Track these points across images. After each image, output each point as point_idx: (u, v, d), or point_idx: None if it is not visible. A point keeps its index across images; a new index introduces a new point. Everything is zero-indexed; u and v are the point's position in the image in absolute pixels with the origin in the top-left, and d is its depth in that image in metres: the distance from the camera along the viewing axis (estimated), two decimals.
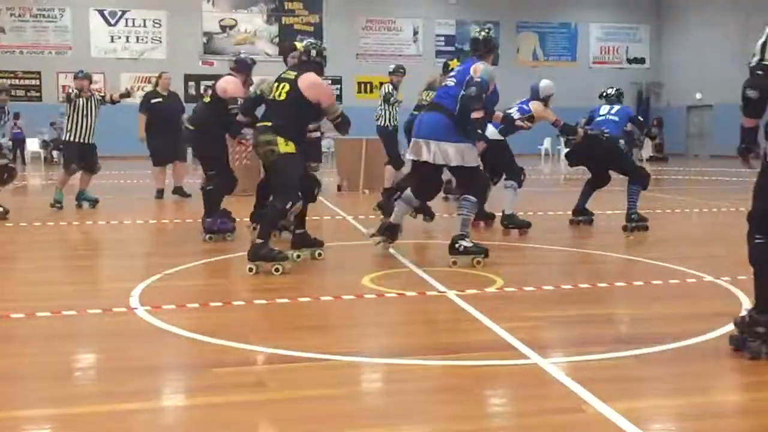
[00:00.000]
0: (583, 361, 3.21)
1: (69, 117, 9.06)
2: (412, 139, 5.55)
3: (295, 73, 5.22)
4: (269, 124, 5.16)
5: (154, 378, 3.09)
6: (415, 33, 27.62)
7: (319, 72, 5.27)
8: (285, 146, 5.04)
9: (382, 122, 10.22)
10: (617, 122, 7.30)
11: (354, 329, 3.85)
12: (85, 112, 8.98)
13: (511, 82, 30.26)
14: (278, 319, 4.11)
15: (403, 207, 5.79)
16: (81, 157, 9.07)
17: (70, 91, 9.07)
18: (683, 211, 9.26)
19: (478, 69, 5.31)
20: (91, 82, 9.44)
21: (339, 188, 11.52)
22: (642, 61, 29.64)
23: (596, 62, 29.35)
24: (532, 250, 6.30)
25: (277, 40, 26.40)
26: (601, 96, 8.03)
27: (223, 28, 26.03)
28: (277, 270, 4.95)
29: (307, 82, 5.14)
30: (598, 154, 7.20)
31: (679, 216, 8.85)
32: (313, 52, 5.32)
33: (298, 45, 5.69)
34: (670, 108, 27.94)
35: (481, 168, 5.69)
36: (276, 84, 5.26)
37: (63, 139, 9.42)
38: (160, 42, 25.38)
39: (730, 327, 3.66)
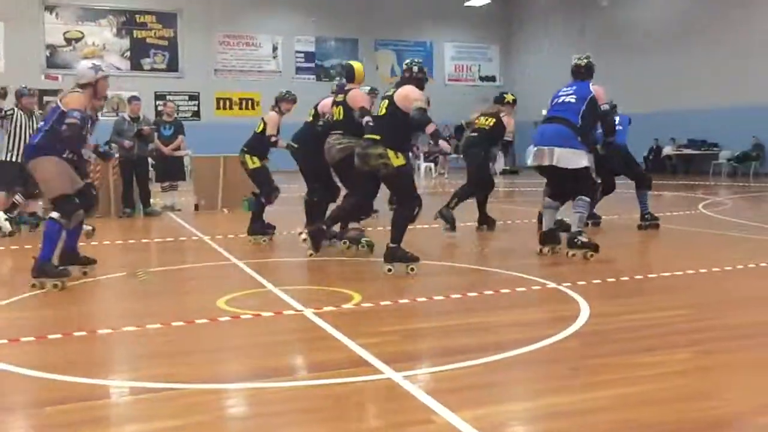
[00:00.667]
0: (435, 373, 3.28)
1: (9, 135, 8.61)
2: (536, 147, 6.31)
3: (395, 90, 5.82)
4: (377, 137, 5.67)
5: None
6: (275, 49, 27.48)
7: (420, 87, 5.79)
8: (396, 159, 5.62)
9: None
10: (621, 131, 7.84)
11: (206, 355, 3.71)
12: (27, 130, 8.57)
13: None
14: (123, 349, 3.89)
15: (549, 213, 6.58)
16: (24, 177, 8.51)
17: (10, 108, 8.67)
18: (531, 221, 9.76)
19: (602, 93, 6.41)
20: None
21: (196, 207, 11.16)
22: (493, 78, 31.17)
23: (451, 80, 30.55)
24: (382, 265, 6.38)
25: (128, 54, 25.33)
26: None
27: (69, 41, 24.60)
28: (412, 269, 5.60)
29: (402, 94, 5.72)
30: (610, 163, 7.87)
31: (528, 226, 9.31)
32: (415, 69, 5.92)
33: (356, 65, 6.79)
34: (519, 124, 29.55)
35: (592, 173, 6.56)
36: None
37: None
38: None
39: (571, 330, 3.89)
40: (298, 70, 27.94)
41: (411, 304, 4.68)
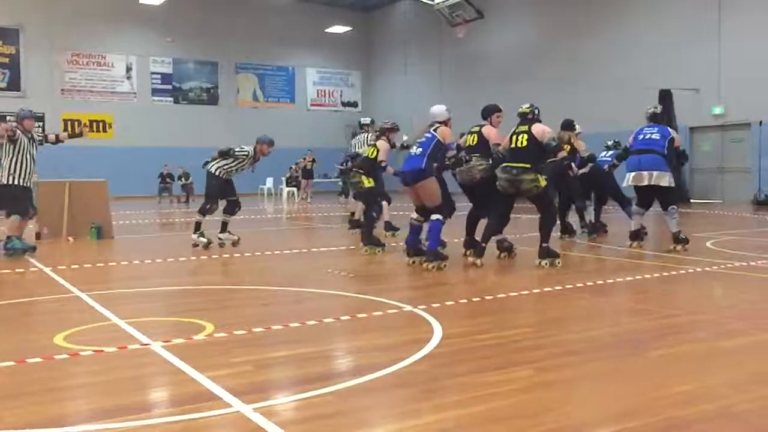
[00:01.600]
0: (286, 403, 3.20)
1: (12, 158, 8.58)
2: (635, 172, 8.49)
3: (526, 126, 7.55)
4: (527, 166, 7.29)
5: None
6: (129, 70, 26.40)
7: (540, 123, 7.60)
8: (543, 181, 7.34)
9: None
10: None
11: (38, 397, 3.40)
12: (28, 153, 8.81)
13: (231, 121, 30.39)
14: None
15: (636, 217, 9.01)
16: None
17: (13, 129, 8.67)
18: (396, 245, 9.91)
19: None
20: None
21: (38, 236, 10.39)
22: (355, 104, 31.68)
23: (314, 104, 30.71)
24: (241, 292, 6.25)
25: None
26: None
27: None
28: (558, 263, 7.26)
29: (538, 129, 7.46)
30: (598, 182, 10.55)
31: (387, 250, 9.45)
32: (536, 111, 7.77)
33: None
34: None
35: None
36: (513, 136, 7.61)
37: (6, 183, 8.58)
38: None
39: (423, 353, 3.95)
40: (155, 92, 27.00)
41: (265, 333, 4.57)
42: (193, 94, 27.97)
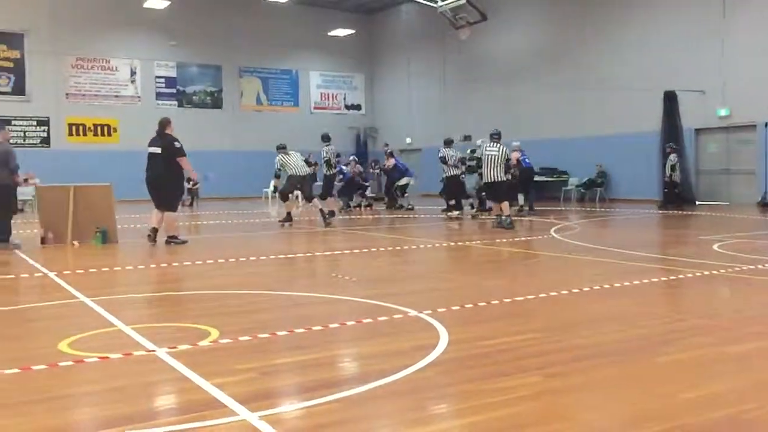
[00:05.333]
0: (291, 411, 3.18)
1: None
2: None
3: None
4: None
5: None
6: (133, 74, 26.44)
7: None
8: None
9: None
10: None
11: (43, 404, 3.39)
12: None
13: (235, 125, 30.44)
14: None
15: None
16: None
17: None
18: (395, 248, 9.90)
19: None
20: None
21: (43, 241, 10.39)
22: (358, 107, 31.67)
23: (317, 107, 30.70)
24: (247, 297, 6.22)
25: None
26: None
27: None
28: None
29: None
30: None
31: (389, 254, 9.43)
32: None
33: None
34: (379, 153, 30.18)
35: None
36: None
37: None
38: None
39: (429, 359, 3.92)
40: (159, 95, 27.02)
41: (270, 339, 4.55)
42: (198, 98, 27.99)
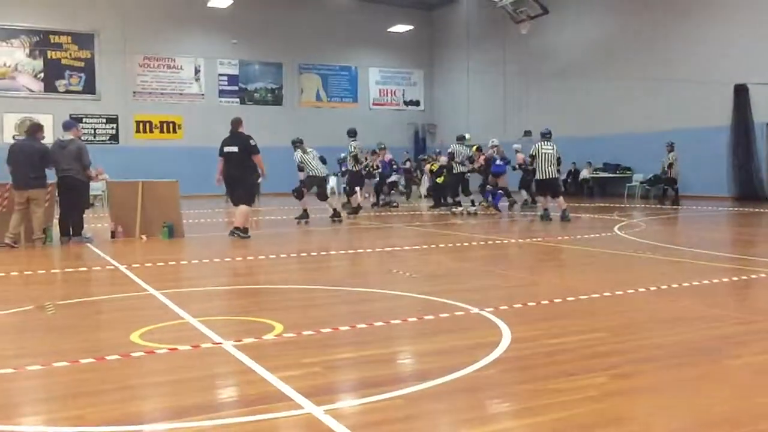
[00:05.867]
0: (356, 406, 3.21)
1: None
2: None
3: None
4: None
5: None
6: (197, 72, 27.05)
7: None
8: None
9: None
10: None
11: (115, 394, 3.51)
12: None
13: (296, 121, 30.77)
14: (27, 390, 3.65)
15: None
16: None
17: None
18: (454, 245, 9.86)
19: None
20: None
21: (113, 235, 10.75)
22: (417, 103, 31.62)
23: (376, 104, 30.79)
24: (309, 292, 6.30)
25: (42, 75, 24.44)
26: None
27: None
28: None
29: None
30: None
31: (450, 250, 9.40)
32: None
33: None
34: (444, 147, 30.03)
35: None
36: None
37: None
38: None
39: (492, 357, 3.90)
40: (222, 93, 27.57)
41: (334, 334, 4.60)
42: (259, 95, 28.44)
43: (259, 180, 12.09)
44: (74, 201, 10.26)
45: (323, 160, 14.34)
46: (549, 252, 9.03)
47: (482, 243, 10.07)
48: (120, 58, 25.30)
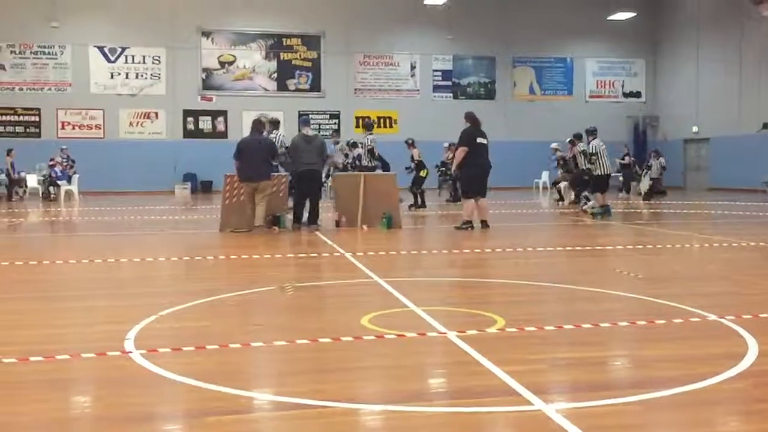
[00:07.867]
0: (588, 408, 3.13)
1: None
2: None
3: None
4: None
5: (150, 427, 3.01)
6: (413, 68, 27.86)
7: None
8: None
9: None
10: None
11: (352, 373, 3.75)
12: None
13: (509, 114, 30.54)
14: (275, 363, 4.03)
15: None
16: None
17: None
18: (683, 246, 9.21)
19: None
20: None
21: (337, 224, 11.47)
22: (638, 95, 29.88)
23: (592, 96, 29.59)
24: (529, 288, 6.22)
25: (275, 75, 26.62)
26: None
27: (222, 64, 26.26)
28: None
29: None
30: None
31: (679, 251, 8.79)
32: None
33: None
34: (666, 141, 28.08)
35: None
36: None
37: None
38: (159, 78, 25.59)
39: (738, 370, 3.59)
40: (435, 88, 28.14)
41: (558, 332, 4.52)
42: (471, 90, 28.61)
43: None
44: (315, 191, 11.18)
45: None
46: None
47: (715, 246, 9.28)
48: (343, 58, 26.81)
